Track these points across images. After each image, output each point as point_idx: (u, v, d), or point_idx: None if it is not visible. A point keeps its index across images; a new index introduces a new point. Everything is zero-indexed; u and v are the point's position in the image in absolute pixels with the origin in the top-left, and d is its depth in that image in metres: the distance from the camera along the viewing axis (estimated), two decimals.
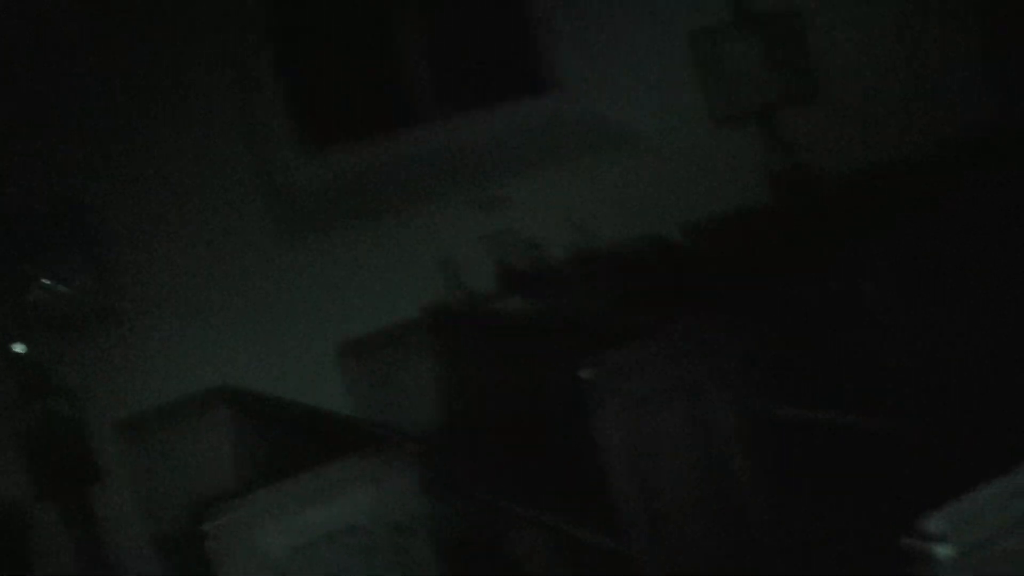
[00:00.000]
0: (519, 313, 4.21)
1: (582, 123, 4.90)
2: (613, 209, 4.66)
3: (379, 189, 4.53)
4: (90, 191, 3.88)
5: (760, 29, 4.92)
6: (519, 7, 5.07)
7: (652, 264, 4.27)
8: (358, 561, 2.46)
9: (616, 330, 3.07)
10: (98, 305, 3.84)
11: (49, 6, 3.89)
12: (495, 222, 4.46)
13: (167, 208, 4.03)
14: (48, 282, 3.79)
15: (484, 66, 4.98)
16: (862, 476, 3.12)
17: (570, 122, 4.91)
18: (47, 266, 3.79)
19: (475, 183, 4.54)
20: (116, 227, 3.92)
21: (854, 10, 5.16)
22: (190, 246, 4.05)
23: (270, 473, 2.73)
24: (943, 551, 1.22)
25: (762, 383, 3.49)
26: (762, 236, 4.39)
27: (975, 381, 3.04)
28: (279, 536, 2.39)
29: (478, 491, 3.47)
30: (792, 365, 3.56)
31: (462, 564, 3.17)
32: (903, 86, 5.21)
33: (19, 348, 3.68)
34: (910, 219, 3.48)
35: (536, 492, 3.19)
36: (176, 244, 4.03)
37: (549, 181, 4.65)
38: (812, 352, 3.49)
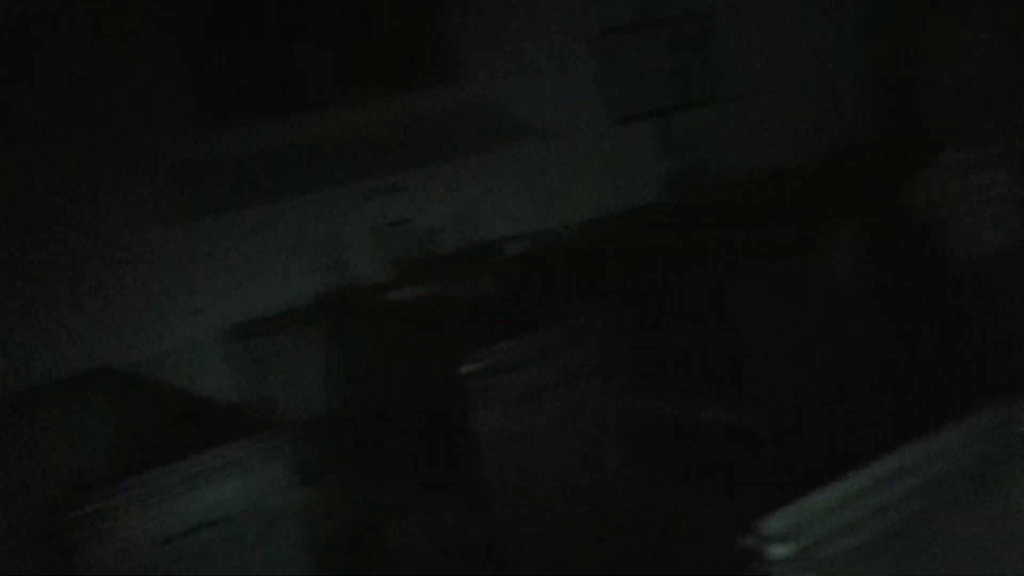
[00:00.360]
0: (408, 303, 4.19)
1: (482, 115, 4.90)
2: (509, 203, 4.67)
3: (273, 173, 4.46)
4: None
5: (663, 30, 4.99)
6: None
7: (545, 259, 4.30)
8: (228, 553, 2.41)
9: (500, 323, 3.09)
10: None
11: None
12: (390, 212, 4.44)
13: (54, 183, 3.91)
14: None
15: (385, 53, 4.95)
16: (733, 472, 3.20)
17: (470, 114, 4.91)
18: None
19: (372, 172, 4.51)
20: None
21: (757, 14, 5.25)
22: (76, 223, 3.94)
23: (143, 461, 2.67)
24: (779, 551, 1.24)
25: (640, 378, 3.54)
26: (653, 235, 4.46)
27: (834, 381, 3.14)
28: (145, 527, 2.33)
29: (355, 481, 3.45)
30: (670, 361, 3.63)
31: (336, 556, 3.14)
32: (803, 90, 5.33)
33: None
34: (787, 222, 3.58)
35: (414, 483, 3.18)
36: (61, 220, 3.91)
37: (446, 172, 4.64)
38: (688, 348, 3.57)
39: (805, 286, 3.38)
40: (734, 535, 1.28)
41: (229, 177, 4.39)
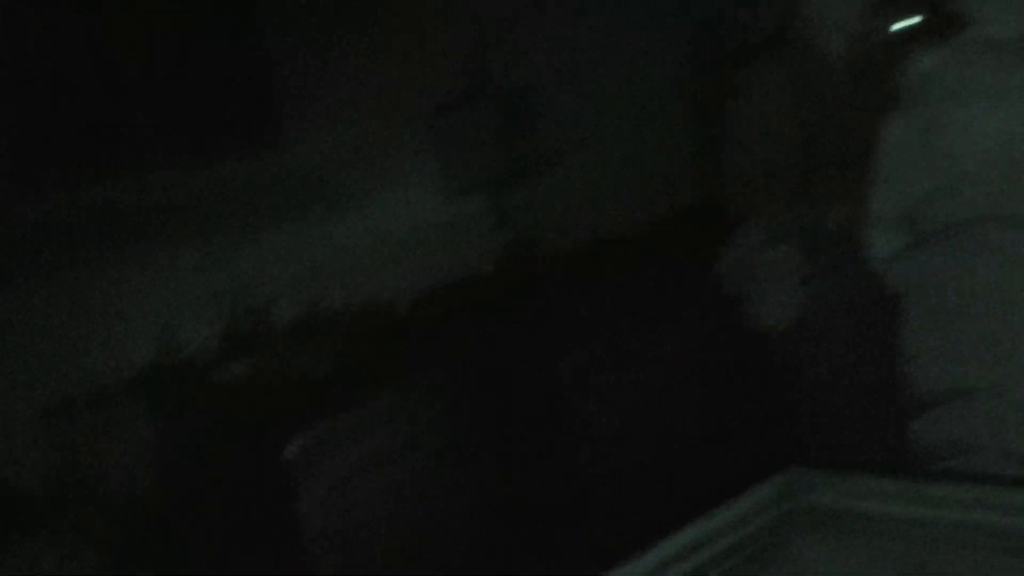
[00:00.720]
0: (237, 378, 4.12)
1: (312, 182, 4.90)
2: (341, 273, 4.67)
3: (93, 239, 4.33)
4: None
5: (495, 102, 5.12)
6: (251, 57, 5.02)
7: (377, 330, 4.32)
8: None
9: (330, 398, 3.09)
10: None
11: None
12: (219, 281, 4.37)
13: None
14: None
15: (212, 117, 4.89)
16: (554, 545, 3.26)
17: (301, 182, 4.90)
18: None
19: (199, 239, 4.43)
20: None
21: (587, 88, 5.45)
22: None
23: None
24: None
25: (468, 451, 3.58)
26: (485, 306, 4.54)
27: (638, 452, 3.26)
28: None
29: (178, 564, 3.36)
30: (498, 434, 3.69)
31: None
32: (632, 161, 5.54)
33: None
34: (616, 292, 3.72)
35: (236, 564, 3.12)
36: None
37: (277, 240, 4.60)
38: (516, 422, 3.64)
39: (630, 357, 3.51)
40: None
41: (40, 243, 4.24)
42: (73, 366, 4.12)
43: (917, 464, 2.52)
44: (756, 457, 2.74)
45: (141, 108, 4.85)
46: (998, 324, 2.32)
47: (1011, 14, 2.26)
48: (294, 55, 4.87)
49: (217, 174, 4.83)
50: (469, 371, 4.00)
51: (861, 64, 2.76)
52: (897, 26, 2.73)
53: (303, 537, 2.72)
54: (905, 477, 2.47)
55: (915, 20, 2.65)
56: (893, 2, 2.73)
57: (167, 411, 3.86)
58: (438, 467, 3.04)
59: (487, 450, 3.77)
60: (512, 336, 4.07)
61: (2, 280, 4.12)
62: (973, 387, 2.37)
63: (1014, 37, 2.25)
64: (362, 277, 4.77)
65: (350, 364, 4.23)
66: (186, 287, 4.40)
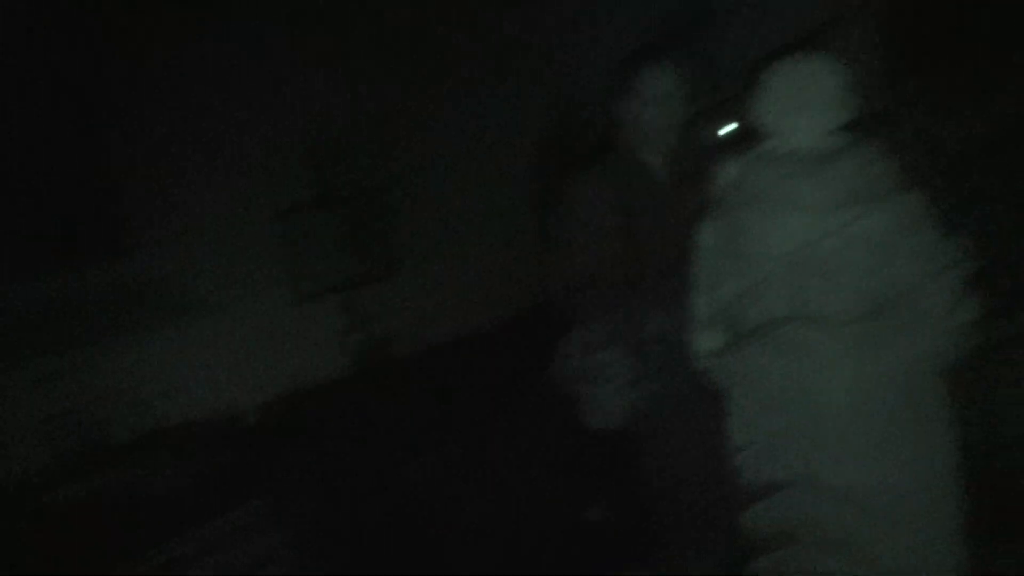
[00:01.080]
0: (77, 498, 3.97)
1: (159, 292, 4.82)
2: (189, 383, 4.58)
3: None
4: None
5: (342, 205, 5.16)
6: (94, 163, 4.92)
7: (226, 441, 4.23)
8: None
9: (177, 514, 3.01)
10: None
11: None
12: (57, 399, 4.23)
13: None
14: None
15: (51, 227, 4.76)
16: None
17: (146, 290, 4.81)
18: None
19: (35, 356, 4.29)
20: None
21: (435, 188, 5.53)
22: None
23: None
24: None
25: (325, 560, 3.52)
26: (334, 411, 4.51)
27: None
28: None
29: None
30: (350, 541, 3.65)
31: None
32: (480, 260, 5.62)
33: None
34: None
35: None
36: None
37: (119, 353, 4.50)
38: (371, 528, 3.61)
39: (474, 458, 3.53)
40: None
41: None
42: None
43: (749, 557, 2.58)
44: (593, 556, 2.76)
45: None
46: (808, 416, 2.43)
47: (804, 127, 2.42)
48: (141, 163, 4.83)
49: (60, 285, 4.70)
50: (317, 481, 3.94)
51: (677, 173, 2.90)
52: (708, 138, 2.89)
53: None
54: None
55: (724, 131, 2.82)
56: (705, 115, 2.89)
57: (8, 529, 3.68)
58: None
59: (341, 557, 3.70)
60: (363, 440, 4.05)
61: None
62: (792, 477, 2.46)
63: (807, 148, 2.41)
64: (209, 388, 4.68)
65: (196, 479, 4.12)
66: (21, 404, 4.24)
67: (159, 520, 3.32)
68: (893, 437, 2.40)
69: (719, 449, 2.64)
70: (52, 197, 4.76)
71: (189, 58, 4.80)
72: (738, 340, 2.53)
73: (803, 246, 2.37)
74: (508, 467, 3.72)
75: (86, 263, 4.73)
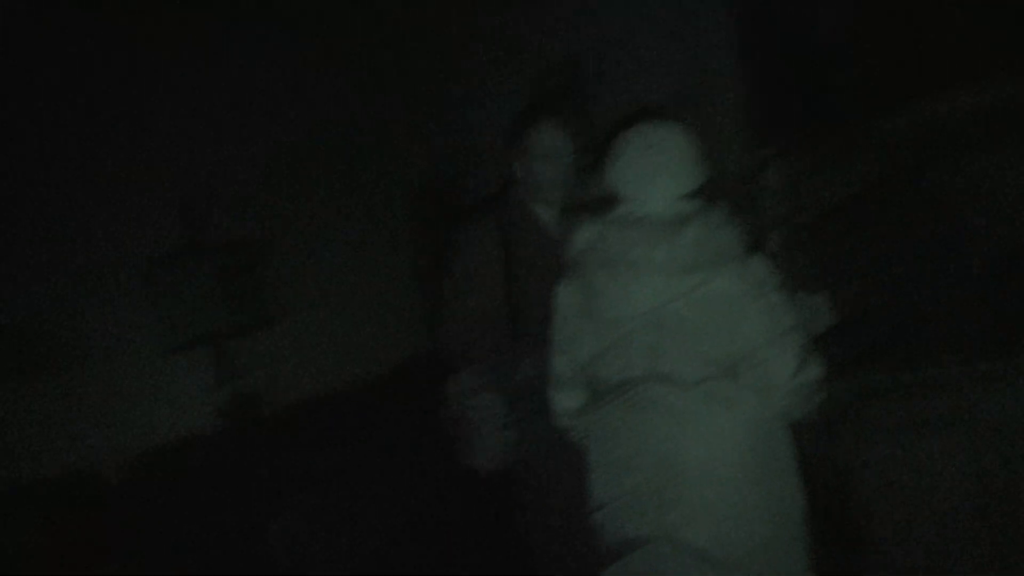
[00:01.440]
0: None
1: (17, 340, 4.66)
2: (48, 436, 4.41)
3: None
4: None
5: (213, 256, 5.08)
6: None
7: (86, 501, 4.09)
8: None
9: None
10: None
11: None
12: None
13: None
14: None
15: None
16: None
17: (4, 338, 4.64)
18: None
19: None
20: None
21: (306, 238, 5.48)
22: None
23: None
24: None
25: None
26: (204, 467, 4.40)
27: None
28: None
29: None
30: None
31: None
32: (355, 312, 5.59)
33: None
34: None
35: None
36: None
37: None
38: None
39: (351, 517, 3.50)
40: None
41: None
42: None
43: None
44: None
45: None
46: (665, 474, 2.48)
47: (655, 194, 2.49)
48: (5, 208, 4.68)
49: None
50: (182, 537, 3.84)
51: (547, 233, 2.95)
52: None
53: None
54: None
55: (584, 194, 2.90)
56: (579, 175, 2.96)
57: None
58: None
59: None
60: (230, 496, 3.95)
61: None
62: (650, 535, 2.50)
63: (660, 213, 2.48)
64: (71, 442, 4.53)
65: (56, 538, 3.96)
66: None
67: None
68: (746, 494, 2.47)
69: (581, 506, 2.67)
70: None
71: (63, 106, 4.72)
72: (597, 399, 2.58)
73: (656, 308, 2.43)
74: (377, 520, 3.69)
75: None
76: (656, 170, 2.47)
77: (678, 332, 2.43)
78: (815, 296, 3.60)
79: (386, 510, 3.82)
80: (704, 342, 2.44)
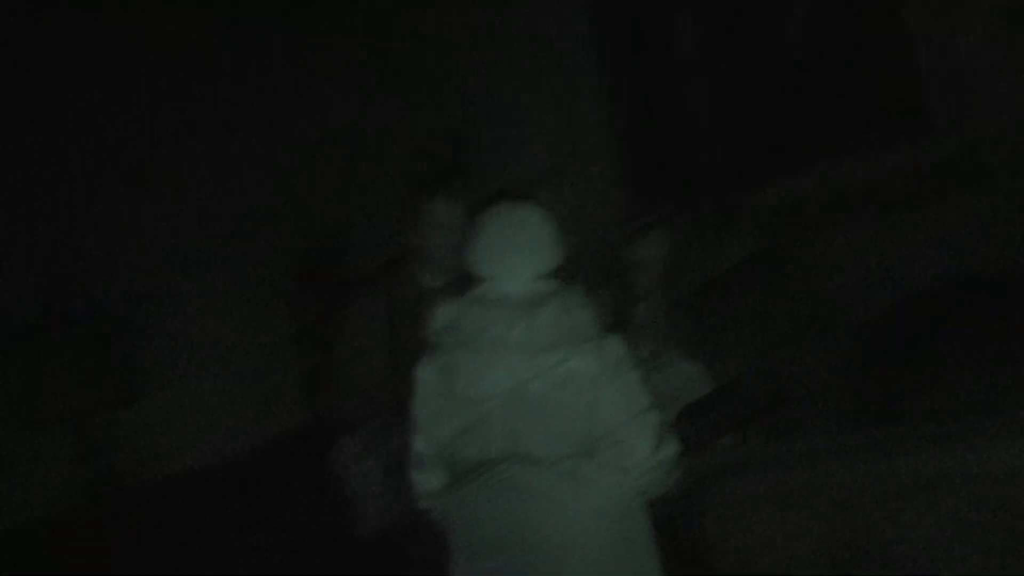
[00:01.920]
0: None
1: None
2: None
3: None
4: None
5: (73, 329, 4.94)
6: None
7: None
8: None
9: None
10: None
11: None
12: None
13: None
14: None
15: None
16: None
17: None
18: None
19: None
20: None
21: (178, 311, 5.35)
22: None
23: None
24: None
25: None
26: (72, 543, 4.25)
27: None
28: None
29: None
30: None
31: None
32: (230, 385, 5.46)
33: None
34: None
35: None
36: None
37: None
38: None
39: None
40: None
41: None
42: None
43: None
44: None
45: None
46: (526, 554, 2.46)
47: (512, 274, 2.50)
48: None
49: None
50: None
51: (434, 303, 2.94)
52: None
53: None
54: None
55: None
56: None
57: None
58: None
59: None
60: None
61: None
62: None
63: (516, 293, 2.49)
64: None
65: None
66: None
67: None
68: (604, 572, 2.47)
69: None
70: None
71: None
72: (457, 479, 2.55)
73: (514, 387, 2.43)
74: None
75: None
76: (513, 250, 2.49)
77: (536, 412, 2.43)
78: (688, 366, 3.66)
79: None
80: (562, 422, 2.44)
